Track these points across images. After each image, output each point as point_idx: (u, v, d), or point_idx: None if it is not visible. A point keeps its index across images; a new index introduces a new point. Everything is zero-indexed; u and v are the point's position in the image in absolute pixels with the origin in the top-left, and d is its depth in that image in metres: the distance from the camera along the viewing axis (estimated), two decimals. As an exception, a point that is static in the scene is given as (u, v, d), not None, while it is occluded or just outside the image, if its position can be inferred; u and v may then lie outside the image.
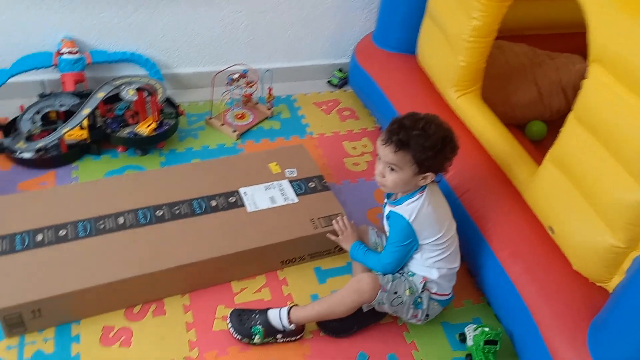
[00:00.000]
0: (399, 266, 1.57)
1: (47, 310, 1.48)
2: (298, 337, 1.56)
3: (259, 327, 1.51)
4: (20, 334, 1.50)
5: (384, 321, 1.65)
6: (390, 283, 1.51)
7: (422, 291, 1.55)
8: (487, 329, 1.52)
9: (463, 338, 1.61)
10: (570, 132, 1.43)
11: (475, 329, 1.56)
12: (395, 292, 1.51)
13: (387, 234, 1.61)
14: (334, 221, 1.72)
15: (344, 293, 1.51)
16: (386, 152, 1.46)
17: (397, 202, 1.54)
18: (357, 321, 1.59)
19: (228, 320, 1.54)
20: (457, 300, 1.70)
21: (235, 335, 1.52)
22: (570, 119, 1.43)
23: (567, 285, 1.46)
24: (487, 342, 1.51)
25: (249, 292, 1.68)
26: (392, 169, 1.47)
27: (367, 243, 1.70)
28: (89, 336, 1.52)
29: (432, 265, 1.55)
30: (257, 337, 1.51)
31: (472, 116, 1.83)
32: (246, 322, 1.52)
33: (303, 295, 1.69)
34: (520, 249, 1.55)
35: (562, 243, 1.49)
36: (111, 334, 1.53)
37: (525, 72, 2.07)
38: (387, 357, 1.57)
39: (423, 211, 1.50)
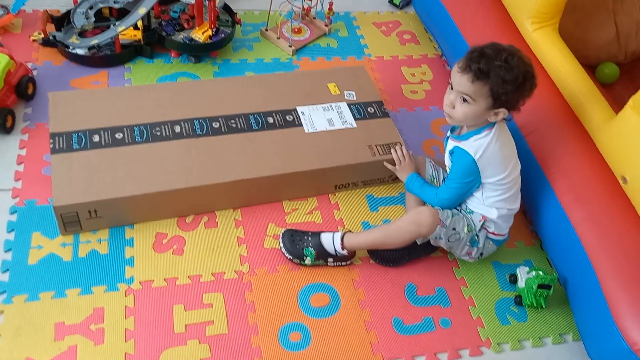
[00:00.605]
0: (456, 203, 1.53)
1: (103, 212, 1.48)
2: (348, 262, 1.56)
3: (311, 249, 1.50)
4: (75, 232, 1.51)
5: (434, 255, 1.63)
6: (450, 219, 1.48)
7: (479, 229, 1.52)
8: (541, 273, 1.50)
9: (514, 279, 1.59)
10: (664, 79, 1.33)
11: (528, 272, 1.54)
12: (454, 229, 1.48)
13: (448, 168, 1.56)
14: (392, 150, 1.67)
15: (402, 224, 1.48)
16: (462, 81, 1.38)
17: (463, 137, 1.48)
18: (408, 253, 1.58)
19: (280, 240, 1.53)
20: (510, 241, 1.66)
21: (287, 254, 1.52)
22: (666, 65, 1.33)
23: (632, 236, 1.41)
24: (540, 286, 1.49)
25: (300, 213, 1.66)
26: (464, 100, 1.40)
27: (423, 175, 1.65)
28: (143, 241, 1.53)
29: (492, 204, 1.51)
30: (308, 258, 1.51)
31: (547, 52, 1.72)
32: (298, 242, 1.51)
33: (354, 222, 1.67)
34: (585, 195, 1.50)
35: (633, 194, 1.43)
36: (164, 241, 1.54)
37: (606, 8, 1.93)
38: (435, 289, 1.57)
39: (490, 149, 1.44)
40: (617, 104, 1.63)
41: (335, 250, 1.51)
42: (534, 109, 1.67)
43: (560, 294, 1.57)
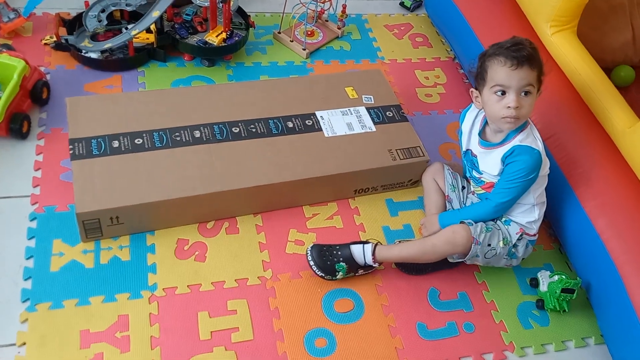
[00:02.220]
0: (512, 206, 1.51)
1: (125, 218, 1.47)
2: (373, 269, 1.55)
3: (343, 263, 1.47)
4: (96, 239, 1.50)
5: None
6: (484, 234, 1.47)
7: (518, 239, 1.52)
8: (564, 277, 1.50)
9: (535, 283, 1.59)
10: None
11: (551, 276, 1.54)
12: (489, 244, 1.48)
13: (485, 177, 1.54)
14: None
15: (437, 242, 1.47)
16: (523, 74, 1.37)
17: (505, 140, 1.46)
18: (432, 265, 1.57)
19: (309, 257, 1.48)
20: (530, 244, 1.67)
21: (318, 272, 1.47)
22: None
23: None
24: (564, 290, 1.49)
25: (320, 219, 1.66)
26: (526, 93, 1.40)
27: (442, 183, 1.65)
28: (164, 248, 1.52)
29: (538, 201, 1.51)
30: (340, 273, 1.48)
31: (566, 55, 1.72)
32: (329, 258, 1.47)
33: (374, 227, 1.67)
34: (609, 201, 1.50)
35: (659, 200, 1.44)
36: (186, 247, 1.53)
37: (623, 12, 1.94)
38: (457, 294, 1.56)
39: (541, 139, 1.47)
40: (634, 107, 1.63)
41: (366, 262, 1.49)
42: (553, 112, 1.68)
43: (581, 297, 1.58)
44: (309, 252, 1.48)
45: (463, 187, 1.66)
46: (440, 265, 1.57)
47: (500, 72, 1.39)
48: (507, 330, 1.52)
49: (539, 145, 1.45)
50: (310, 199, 1.67)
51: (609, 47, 1.96)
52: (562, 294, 1.50)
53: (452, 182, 1.65)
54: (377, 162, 1.66)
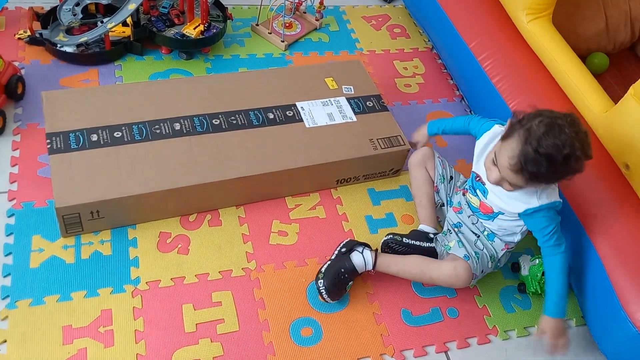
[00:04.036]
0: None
1: (106, 212, 1.45)
2: None
3: (351, 282, 1.45)
4: (76, 234, 1.48)
5: (438, 246, 1.64)
6: (478, 263, 1.45)
7: (503, 255, 1.53)
8: (545, 261, 1.52)
9: (516, 267, 1.61)
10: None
11: (532, 260, 1.56)
12: (482, 271, 1.48)
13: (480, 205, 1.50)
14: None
15: (437, 276, 1.44)
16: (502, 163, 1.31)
17: None
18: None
19: (322, 291, 1.43)
20: (510, 230, 1.69)
21: (329, 299, 1.44)
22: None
23: (635, 222, 1.44)
24: (545, 274, 1.51)
25: (303, 209, 1.66)
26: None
27: (431, 171, 1.62)
28: (146, 241, 1.50)
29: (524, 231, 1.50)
30: (347, 290, 1.48)
31: (542, 43, 1.74)
32: (341, 285, 1.44)
33: (357, 216, 1.67)
34: (585, 184, 1.52)
35: (635, 180, 1.46)
36: (168, 240, 1.52)
37: (597, 1, 1.97)
38: (443, 283, 1.58)
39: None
40: (608, 93, 1.66)
41: (366, 269, 1.47)
42: (530, 98, 1.70)
43: (562, 281, 1.60)
44: (322, 286, 1.43)
45: (451, 178, 1.64)
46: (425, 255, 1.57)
47: (497, 146, 1.36)
48: (490, 314, 1.54)
49: (557, 195, 1.41)
50: (293, 189, 1.67)
51: (583, 36, 1.99)
52: (543, 277, 1.52)
53: (441, 172, 1.62)
54: (359, 152, 1.66)
